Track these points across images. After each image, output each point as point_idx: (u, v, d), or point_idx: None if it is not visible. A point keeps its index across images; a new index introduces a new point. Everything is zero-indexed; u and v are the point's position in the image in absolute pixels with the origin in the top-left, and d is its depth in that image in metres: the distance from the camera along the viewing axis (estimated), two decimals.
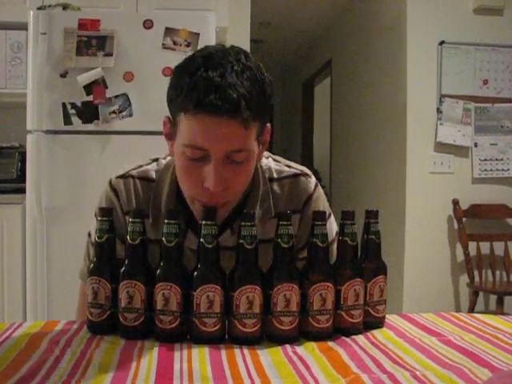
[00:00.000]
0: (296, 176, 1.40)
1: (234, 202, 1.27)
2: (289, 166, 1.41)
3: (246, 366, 0.99)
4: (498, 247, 3.84)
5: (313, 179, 1.42)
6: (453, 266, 3.96)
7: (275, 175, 1.38)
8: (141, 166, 1.39)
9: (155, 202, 1.33)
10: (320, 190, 1.43)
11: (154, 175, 1.37)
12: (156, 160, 1.41)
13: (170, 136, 1.25)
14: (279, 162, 1.43)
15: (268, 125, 1.25)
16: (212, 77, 1.09)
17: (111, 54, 2.88)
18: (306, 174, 1.41)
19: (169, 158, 1.39)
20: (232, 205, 1.27)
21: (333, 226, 1.41)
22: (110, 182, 1.38)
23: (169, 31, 2.92)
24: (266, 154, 1.39)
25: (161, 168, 1.37)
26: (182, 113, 1.14)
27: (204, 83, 1.09)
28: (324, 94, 6.76)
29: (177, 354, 1.05)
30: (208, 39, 2.93)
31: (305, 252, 1.26)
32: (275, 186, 1.37)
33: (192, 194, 1.23)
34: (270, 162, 1.40)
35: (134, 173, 1.38)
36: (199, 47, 2.84)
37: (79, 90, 2.86)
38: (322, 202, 1.42)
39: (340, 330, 1.17)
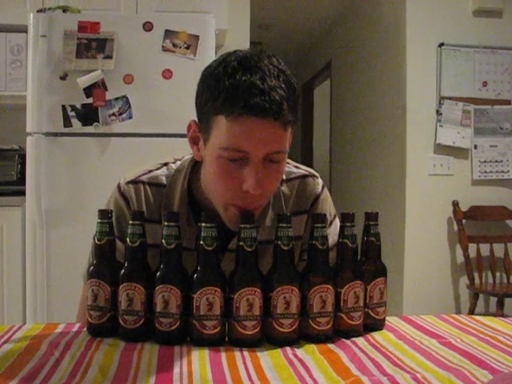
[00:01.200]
0: (304, 177, 1.43)
1: (265, 204, 1.28)
2: (297, 167, 1.44)
3: (246, 369, 0.99)
4: (498, 249, 3.83)
5: (320, 180, 1.45)
6: (453, 268, 3.96)
7: (284, 176, 1.39)
8: (151, 171, 1.38)
9: (167, 207, 1.32)
10: (326, 191, 1.46)
11: (164, 180, 1.36)
12: (165, 164, 1.40)
13: (197, 140, 1.25)
14: (288, 163, 1.43)
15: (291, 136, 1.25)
16: (254, 80, 1.10)
17: (111, 57, 2.88)
18: (313, 176, 1.45)
19: (178, 162, 1.39)
20: (263, 207, 1.28)
21: (337, 228, 1.37)
22: (120, 188, 1.37)
23: (168, 33, 2.92)
24: None
25: (171, 173, 1.37)
26: (221, 115, 1.13)
27: (247, 86, 1.10)
28: (324, 96, 6.76)
29: (177, 357, 1.05)
30: (208, 42, 2.93)
31: None
32: (284, 187, 1.39)
33: (228, 199, 1.21)
34: None
35: (144, 178, 1.37)
36: (199, 49, 2.89)
37: (79, 92, 2.86)
38: (328, 203, 1.45)
39: (340, 333, 1.17)
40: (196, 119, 1.25)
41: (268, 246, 1.24)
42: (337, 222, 1.42)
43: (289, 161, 1.43)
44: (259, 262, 1.13)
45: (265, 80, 1.11)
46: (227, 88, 1.11)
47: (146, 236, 1.15)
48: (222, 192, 1.21)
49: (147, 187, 1.36)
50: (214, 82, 1.15)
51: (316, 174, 1.47)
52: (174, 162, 1.41)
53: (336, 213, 1.46)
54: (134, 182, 1.36)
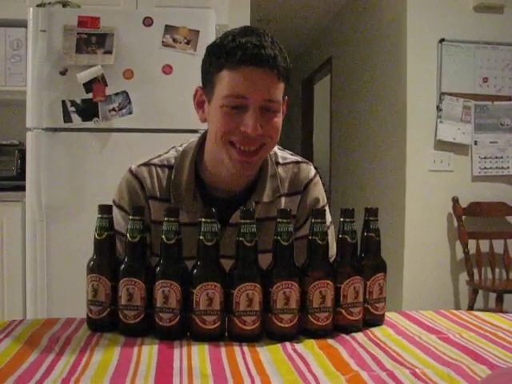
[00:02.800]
0: (298, 162, 1.54)
1: (269, 149, 1.40)
2: (292, 155, 1.56)
3: (246, 364, 0.99)
4: (498, 245, 3.83)
5: (313, 167, 1.57)
6: (452, 264, 3.96)
7: (280, 160, 1.52)
8: (160, 155, 1.48)
9: (175, 184, 1.42)
10: (319, 177, 1.57)
11: (173, 161, 1.46)
12: (173, 147, 1.51)
13: (202, 104, 1.40)
14: (283, 150, 1.57)
15: (286, 97, 1.40)
16: (251, 39, 1.28)
17: (111, 52, 2.88)
18: (306, 162, 1.57)
19: (184, 145, 1.50)
20: (266, 152, 1.40)
21: (329, 216, 1.47)
22: (131, 171, 1.45)
23: (169, 29, 2.91)
24: None
25: (179, 154, 1.47)
26: (223, 70, 1.29)
27: (245, 42, 1.27)
28: (324, 92, 6.75)
29: (176, 352, 1.05)
30: (208, 37, 2.92)
31: (301, 232, 1.45)
32: (280, 169, 1.50)
33: (229, 138, 1.33)
34: (276, 149, 1.52)
35: (155, 161, 1.46)
36: (199, 45, 2.89)
37: (79, 87, 2.86)
38: (320, 188, 1.56)
39: (339, 328, 1.17)
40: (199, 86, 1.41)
41: (266, 223, 1.39)
42: (328, 210, 1.49)
43: (283, 149, 1.58)
44: (258, 239, 1.14)
45: (261, 40, 1.29)
46: (228, 47, 1.29)
47: (150, 227, 1.24)
48: (224, 133, 1.32)
49: (158, 169, 1.45)
50: (216, 47, 1.33)
51: (309, 162, 1.58)
52: (180, 146, 1.51)
53: (326, 200, 1.57)
54: (146, 164, 1.45)
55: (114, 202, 1.44)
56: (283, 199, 1.49)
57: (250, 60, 1.27)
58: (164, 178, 1.44)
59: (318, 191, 1.54)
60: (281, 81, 1.32)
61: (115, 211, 1.35)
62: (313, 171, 1.55)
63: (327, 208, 1.52)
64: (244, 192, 1.45)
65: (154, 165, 1.45)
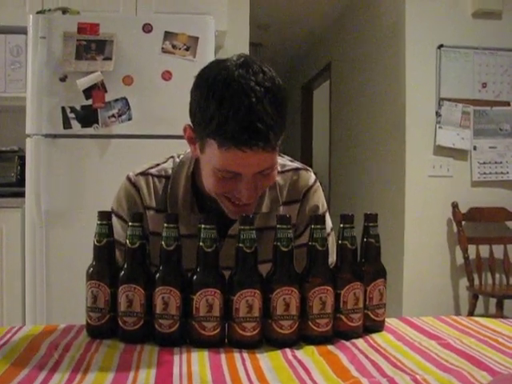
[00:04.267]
0: (298, 170, 1.51)
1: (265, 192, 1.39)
2: (291, 161, 1.54)
3: (246, 370, 0.99)
4: (498, 250, 3.83)
5: (313, 174, 1.54)
6: (452, 270, 3.96)
7: (279, 168, 1.46)
8: (158, 165, 1.47)
9: (172, 195, 1.41)
10: (319, 184, 1.54)
11: (170, 172, 1.45)
12: (171, 157, 1.50)
13: (192, 141, 1.32)
14: (282, 156, 1.53)
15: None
16: (241, 112, 1.16)
17: (110, 58, 2.88)
18: (306, 169, 1.54)
19: (182, 155, 1.48)
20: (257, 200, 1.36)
21: (329, 222, 1.50)
22: (130, 179, 1.45)
23: (168, 35, 2.92)
24: None
25: (176, 165, 1.45)
26: (213, 141, 1.21)
27: (235, 119, 1.16)
28: (323, 97, 6.76)
29: (176, 358, 1.05)
30: (207, 43, 2.93)
31: (301, 240, 1.42)
32: (279, 178, 1.46)
33: (225, 195, 1.30)
34: None
35: (152, 171, 1.45)
36: (198, 51, 2.89)
37: (79, 93, 2.86)
38: (320, 195, 1.53)
39: (340, 334, 1.17)
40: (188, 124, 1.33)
41: (265, 233, 1.36)
42: (327, 216, 1.49)
43: (283, 155, 1.54)
44: (258, 248, 1.14)
45: (252, 110, 1.16)
46: (217, 118, 1.17)
47: (148, 236, 1.21)
48: (218, 194, 1.31)
49: (155, 179, 1.44)
50: (204, 105, 1.21)
51: (309, 168, 1.55)
52: (178, 156, 1.49)
53: (327, 208, 1.55)
54: (144, 173, 1.45)
55: (112, 210, 1.43)
56: (281, 208, 1.47)
57: (241, 145, 1.18)
58: (161, 188, 1.43)
59: (318, 198, 1.52)
60: (276, 149, 1.25)
61: (114, 220, 1.35)
62: (313, 178, 1.53)
63: (327, 215, 1.51)
64: None
65: (152, 175, 1.45)
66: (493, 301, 3.74)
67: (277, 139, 1.23)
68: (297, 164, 1.54)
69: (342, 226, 1.18)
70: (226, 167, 1.23)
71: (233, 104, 1.17)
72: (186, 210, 1.39)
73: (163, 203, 1.41)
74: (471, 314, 3.65)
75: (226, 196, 1.30)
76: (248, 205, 1.30)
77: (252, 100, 1.17)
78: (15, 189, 3.28)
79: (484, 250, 3.80)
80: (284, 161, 1.53)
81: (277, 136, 1.22)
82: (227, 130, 1.17)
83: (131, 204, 1.42)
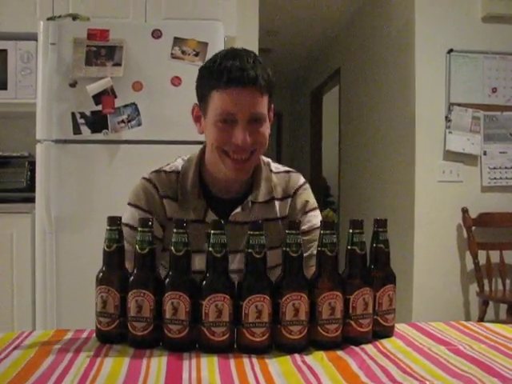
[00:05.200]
0: (289, 172, 1.74)
1: (259, 154, 1.58)
2: (283, 166, 1.76)
3: (255, 375, 0.99)
4: (508, 256, 3.81)
5: (301, 176, 1.75)
6: (462, 275, 3.93)
7: (274, 169, 1.71)
8: (168, 164, 1.66)
9: (182, 184, 1.60)
10: (308, 185, 1.75)
11: (180, 168, 1.65)
12: (179, 157, 1.70)
13: (199, 118, 1.59)
14: (275, 162, 1.76)
15: (272, 105, 1.57)
16: (235, 63, 1.46)
17: (120, 64, 2.90)
18: (296, 172, 1.75)
19: (188, 155, 1.69)
20: (257, 157, 1.58)
21: (318, 218, 1.69)
22: (145, 177, 1.62)
23: (177, 41, 2.93)
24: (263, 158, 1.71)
25: (185, 161, 1.66)
26: (213, 91, 1.47)
27: (230, 66, 1.45)
28: (332, 103, 6.76)
29: (185, 363, 1.05)
30: (216, 49, 2.93)
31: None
32: (273, 176, 1.69)
33: (224, 149, 1.51)
34: (269, 160, 1.74)
35: (165, 168, 1.64)
36: (208, 57, 2.87)
37: (88, 99, 2.87)
38: (309, 193, 1.73)
39: (349, 339, 1.17)
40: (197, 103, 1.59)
41: (264, 225, 1.42)
42: (318, 213, 1.70)
43: (276, 163, 1.77)
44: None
45: (244, 62, 1.47)
46: (215, 71, 1.47)
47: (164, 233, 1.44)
48: (218, 145, 1.50)
49: (168, 174, 1.62)
50: (206, 70, 1.52)
51: (299, 172, 1.77)
52: (185, 156, 1.70)
53: (317, 205, 1.74)
54: (157, 171, 1.63)
55: (129, 203, 1.60)
56: (277, 203, 1.66)
57: (234, 82, 1.44)
58: (173, 181, 1.61)
59: (307, 195, 1.72)
60: (264, 95, 1.49)
61: (131, 210, 1.57)
62: (302, 179, 1.74)
63: (318, 211, 1.71)
64: (242, 194, 1.63)
65: (164, 171, 1.63)
66: (503, 307, 3.72)
67: (265, 88, 1.49)
68: (288, 168, 1.75)
69: (351, 231, 1.18)
70: (224, 109, 1.46)
71: (227, 60, 1.48)
72: (194, 197, 1.57)
73: (176, 193, 1.59)
74: (481, 319, 3.63)
75: (225, 152, 1.50)
76: (244, 162, 1.51)
77: (242, 57, 1.49)
78: (25, 194, 3.29)
79: (494, 256, 3.78)
80: (277, 165, 1.74)
81: (265, 83, 1.48)
82: (224, 75, 1.44)
83: (148, 196, 1.59)
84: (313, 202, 1.72)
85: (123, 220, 1.43)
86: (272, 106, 1.57)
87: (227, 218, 1.56)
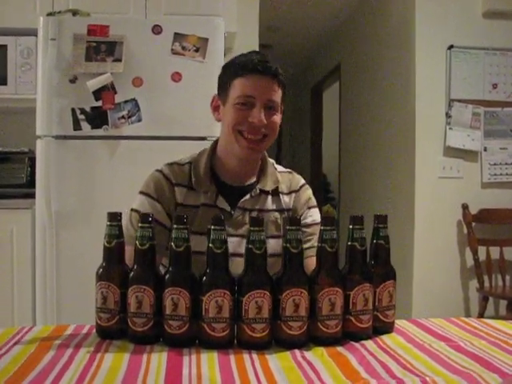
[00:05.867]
0: (291, 172, 1.87)
1: (270, 141, 1.69)
2: (285, 168, 1.87)
3: (255, 371, 0.99)
4: (508, 252, 3.81)
5: (302, 178, 1.87)
6: (462, 271, 3.94)
7: (278, 168, 1.82)
8: (181, 159, 1.76)
9: (195, 171, 1.70)
10: (308, 186, 1.86)
11: (192, 160, 1.75)
12: (191, 153, 1.80)
13: (217, 108, 1.72)
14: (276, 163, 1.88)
15: (282, 107, 1.70)
16: (257, 56, 1.63)
17: (120, 60, 2.89)
18: (297, 174, 1.87)
19: (199, 151, 1.79)
20: (268, 143, 1.69)
21: (319, 215, 1.80)
22: (157, 170, 1.72)
23: (178, 36, 2.92)
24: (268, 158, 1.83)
25: (196, 154, 1.77)
26: (236, 78, 1.62)
27: (252, 59, 1.62)
28: (333, 99, 6.75)
29: (185, 359, 1.05)
30: (217, 44, 2.93)
31: None
32: (278, 175, 1.79)
33: (239, 128, 1.63)
34: (273, 161, 1.83)
35: (177, 161, 1.74)
36: (208, 52, 2.90)
37: (88, 95, 2.87)
38: (311, 193, 1.84)
39: (349, 335, 1.17)
40: (215, 94, 1.73)
41: (270, 214, 1.71)
42: (317, 210, 1.81)
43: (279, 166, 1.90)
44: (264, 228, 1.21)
45: (265, 57, 1.64)
46: (239, 62, 1.64)
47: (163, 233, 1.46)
48: (235, 124, 1.62)
49: (180, 166, 1.72)
50: (231, 63, 1.67)
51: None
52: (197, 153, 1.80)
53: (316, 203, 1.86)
54: (169, 164, 1.73)
55: (140, 192, 1.70)
56: (282, 196, 1.76)
57: (257, 69, 1.60)
58: (185, 171, 1.71)
59: (310, 194, 1.83)
60: (280, 87, 1.65)
61: (141, 198, 1.67)
62: (303, 180, 1.86)
63: (317, 209, 1.81)
64: (250, 184, 1.73)
65: (177, 163, 1.73)
66: (503, 303, 3.72)
67: (282, 82, 1.64)
68: (289, 170, 1.87)
69: (351, 227, 1.18)
70: (245, 91, 1.60)
71: (248, 54, 1.66)
72: (206, 180, 1.68)
73: (189, 181, 1.69)
74: (481, 315, 3.63)
75: (240, 133, 1.62)
76: (257, 142, 1.63)
77: (266, 59, 1.64)
78: (25, 190, 3.29)
79: (494, 252, 3.78)
80: (280, 167, 1.85)
81: (282, 78, 1.64)
82: (248, 64, 1.61)
83: (157, 186, 1.67)
84: (314, 200, 1.83)
85: (133, 206, 1.67)
86: (282, 106, 1.70)
87: (236, 203, 1.68)
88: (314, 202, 1.83)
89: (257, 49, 3.82)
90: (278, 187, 1.76)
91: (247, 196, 1.69)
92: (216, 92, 1.74)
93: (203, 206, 1.64)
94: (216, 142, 1.77)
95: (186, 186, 1.69)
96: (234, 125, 1.63)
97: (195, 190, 1.68)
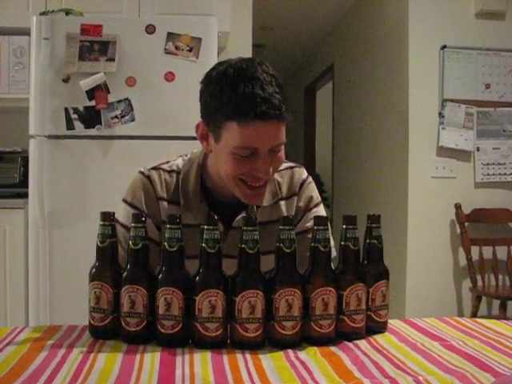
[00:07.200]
0: (292, 168, 1.67)
1: (273, 176, 1.51)
2: (285, 162, 1.62)
3: (248, 371, 0.99)
4: (501, 251, 3.83)
5: (304, 170, 1.70)
6: (455, 271, 3.95)
7: None
8: (168, 162, 1.59)
9: (184, 187, 1.53)
10: (311, 178, 1.70)
11: (180, 167, 1.57)
12: (180, 156, 1.63)
13: (206, 136, 1.47)
14: None
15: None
16: (256, 90, 1.32)
17: (113, 59, 2.89)
18: (299, 166, 1.69)
19: (189, 155, 1.61)
20: (271, 179, 1.51)
21: (323, 213, 1.63)
22: (143, 173, 1.56)
23: (171, 36, 2.92)
24: None
25: (185, 162, 1.58)
26: (232, 122, 1.34)
27: (252, 96, 1.32)
28: (326, 99, 6.76)
29: (179, 359, 1.05)
30: (210, 44, 2.93)
31: (298, 228, 1.56)
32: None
33: (241, 179, 1.42)
34: None
35: (164, 167, 1.57)
36: (201, 52, 2.89)
37: (82, 94, 2.86)
38: (313, 187, 1.68)
39: (342, 335, 1.17)
40: (201, 120, 1.47)
41: (268, 226, 1.47)
42: (322, 208, 1.66)
43: None
44: (262, 241, 1.15)
45: (264, 88, 1.33)
46: (234, 99, 1.32)
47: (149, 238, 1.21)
48: (235, 176, 1.41)
49: (167, 174, 1.55)
50: (219, 93, 1.36)
51: (301, 165, 1.70)
52: (186, 155, 1.62)
53: (320, 199, 1.70)
54: (156, 168, 1.56)
55: (125, 201, 1.54)
56: (282, 203, 1.60)
57: (259, 117, 1.32)
58: (172, 182, 1.54)
59: (311, 190, 1.66)
60: (285, 123, 1.41)
61: (127, 209, 1.50)
62: (305, 173, 1.68)
63: (321, 206, 1.67)
64: None
65: (163, 170, 1.56)
66: (496, 302, 3.73)
67: (286, 112, 1.38)
68: (290, 163, 1.67)
69: (344, 226, 1.18)
70: (246, 143, 1.35)
71: (246, 86, 1.32)
72: (196, 201, 1.51)
73: (175, 195, 1.53)
74: (474, 315, 3.64)
75: (242, 180, 1.42)
76: (261, 187, 1.45)
77: (263, 81, 1.34)
78: (18, 190, 3.29)
79: (487, 252, 3.80)
80: None
81: (285, 109, 1.38)
82: (246, 107, 1.31)
83: (146, 194, 1.52)
84: (316, 196, 1.67)
85: (118, 217, 1.44)
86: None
87: (230, 222, 1.52)
88: (315, 199, 1.65)
89: (250, 49, 3.83)
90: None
91: (243, 213, 1.52)
92: (197, 118, 1.48)
93: (192, 227, 1.36)
94: (206, 156, 1.55)
95: (171, 202, 1.52)
96: (235, 176, 1.42)
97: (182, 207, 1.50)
